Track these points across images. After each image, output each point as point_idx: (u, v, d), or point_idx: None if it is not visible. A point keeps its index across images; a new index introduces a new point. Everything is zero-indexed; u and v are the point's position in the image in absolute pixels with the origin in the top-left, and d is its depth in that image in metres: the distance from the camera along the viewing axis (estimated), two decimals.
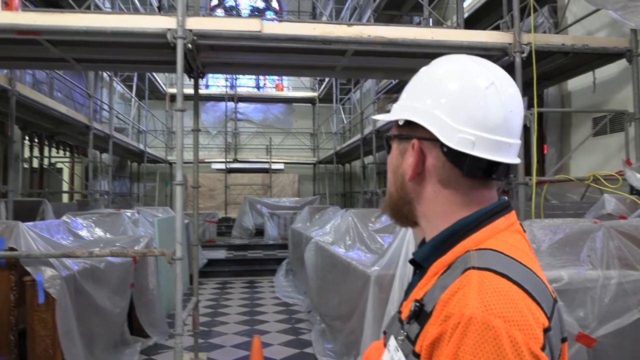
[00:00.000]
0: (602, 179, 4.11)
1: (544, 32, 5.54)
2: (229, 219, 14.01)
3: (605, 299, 2.49)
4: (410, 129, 0.85)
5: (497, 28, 5.10)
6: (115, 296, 4.54)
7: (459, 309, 0.68)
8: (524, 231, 0.88)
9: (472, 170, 0.81)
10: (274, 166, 15.76)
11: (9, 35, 3.70)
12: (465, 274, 0.72)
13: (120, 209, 6.95)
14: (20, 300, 3.59)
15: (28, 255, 3.48)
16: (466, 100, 0.80)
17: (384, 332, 0.89)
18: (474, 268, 0.72)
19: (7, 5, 3.65)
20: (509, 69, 4.24)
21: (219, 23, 3.95)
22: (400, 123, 0.87)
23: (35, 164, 9.70)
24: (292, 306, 6.95)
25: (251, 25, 3.84)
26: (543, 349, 0.67)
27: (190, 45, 3.78)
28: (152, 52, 4.32)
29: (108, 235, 5.43)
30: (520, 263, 0.75)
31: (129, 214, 6.38)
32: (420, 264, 0.86)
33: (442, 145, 0.81)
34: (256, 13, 17.26)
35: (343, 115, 14.94)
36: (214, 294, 7.83)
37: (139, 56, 4.58)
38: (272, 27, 3.96)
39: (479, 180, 0.83)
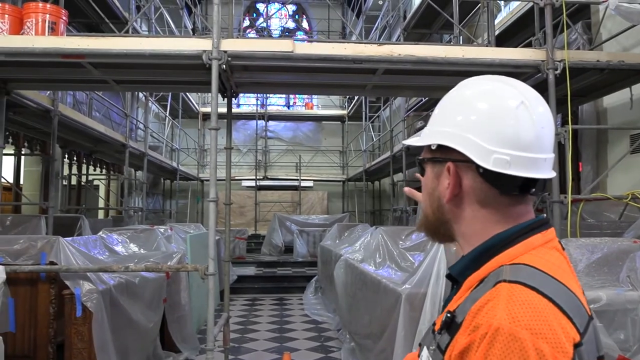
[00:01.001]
0: None
1: (578, 48, 5.47)
2: (258, 236, 14.12)
3: None
4: (444, 152, 0.87)
5: (529, 45, 5.06)
6: (149, 311, 4.62)
7: (487, 320, 0.69)
8: (563, 249, 0.89)
9: (509, 188, 0.82)
10: (303, 183, 15.85)
11: (55, 59, 3.89)
12: (496, 287, 0.74)
13: (153, 225, 7.11)
14: (59, 313, 3.69)
15: (67, 269, 3.59)
16: (497, 121, 0.82)
17: (420, 344, 0.91)
18: (505, 281, 0.74)
19: (54, 31, 3.84)
20: (542, 86, 4.20)
21: (252, 44, 4.06)
22: (433, 147, 0.89)
23: (74, 181, 10.04)
24: (321, 324, 6.93)
25: (283, 46, 3.93)
26: None
27: (224, 66, 3.89)
28: (188, 73, 4.46)
29: (142, 251, 5.55)
30: (554, 278, 0.76)
31: (162, 230, 6.51)
32: (456, 279, 0.88)
33: (477, 166, 0.82)
34: (287, 33, 17.58)
35: (372, 133, 14.96)
36: (244, 310, 7.87)
37: (175, 77, 4.73)
38: (304, 47, 4.05)
39: (516, 197, 0.84)
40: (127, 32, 5.28)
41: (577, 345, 0.69)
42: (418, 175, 1.24)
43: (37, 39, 3.77)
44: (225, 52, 3.83)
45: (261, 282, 9.89)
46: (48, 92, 6.11)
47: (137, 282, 4.41)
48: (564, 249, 0.89)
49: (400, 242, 5.73)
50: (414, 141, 0.96)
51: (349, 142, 16.40)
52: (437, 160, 0.89)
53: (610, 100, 5.53)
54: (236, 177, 15.59)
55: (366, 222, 11.60)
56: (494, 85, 0.87)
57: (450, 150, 0.85)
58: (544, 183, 0.85)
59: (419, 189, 1.14)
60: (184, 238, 6.71)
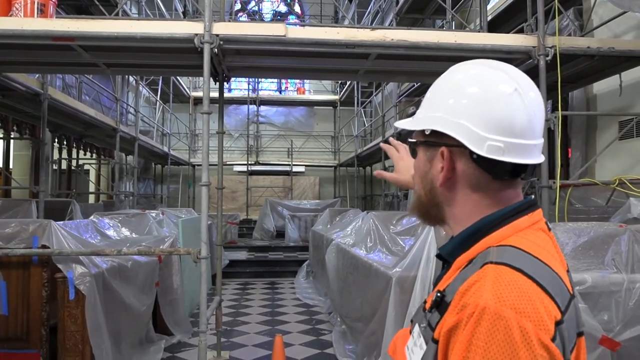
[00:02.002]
0: (628, 183, 4.07)
1: (569, 34, 5.49)
2: (250, 221, 14.15)
3: (630, 302, 2.48)
4: (438, 137, 0.88)
5: (521, 31, 5.07)
6: (142, 294, 4.65)
7: (474, 300, 0.72)
8: (549, 229, 0.91)
9: (500, 173, 0.85)
10: (295, 169, 15.87)
11: (44, 42, 3.84)
12: (483, 268, 0.77)
13: (145, 210, 7.11)
14: (52, 296, 3.70)
15: (60, 252, 3.59)
16: (491, 108, 0.83)
17: (411, 321, 0.94)
18: (492, 263, 0.77)
19: (43, 13, 3.79)
20: (533, 72, 4.22)
21: (244, 28, 4.03)
22: (427, 132, 0.90)
23: (64, 165, 9.98)
24: (312, 307, 7.00)
25: (276, 30, 3.91)
26: (553, 339, 0.70)
27: (216, 50, 3.86)
28: (179, 56, 4.43)
29: (134, 235, 5.56)
30: (538, 259, 0.79)
31: (153, 215, 6.51)
32: (446, 259, 0.91)
33: (471, 152, 0.84)
34: (279, 17, 17.42)
35: (364, 118, 14.96)
36: (236, 295, 7.93)
37: (166, 60, 4.70)
38: (296, 31, 4.03)
39: (506, 182, 0.87)
40: (117, 14, 5.22)
41: (558, 323, 0.73)
42: (392, 140, 1.26)
43: (26, 21, 3.73)
44: (217, 35, 3.81)
45: (253, 266, 9.94)
46: (38, 75, 6.04)
47: (129, 265, 4.42)
48: (550, 229, 0.92)
49: (391, 227, 5.78)
50: (407, 125, 0.97)
51: (340, 128, 16.40)
52: (430, 144, 0.90)
53: (600, 86, 5.58)
54: (228, 162, 15.56)
55: (358, 207, 11.67)
56: (487, 71, 0.87)
57: (444, 135, 0.86)
58: (534, 168, 0.88)
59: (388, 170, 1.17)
60: (176, 222, 6.72)
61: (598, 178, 5.20)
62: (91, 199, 11.46)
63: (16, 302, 3.61)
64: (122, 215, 6.01)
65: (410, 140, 0.98)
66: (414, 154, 0.97)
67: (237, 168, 15.91)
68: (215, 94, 4.86)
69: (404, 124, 0.98)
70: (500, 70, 0.87)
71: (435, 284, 0.93)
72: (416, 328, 0.87)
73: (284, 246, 11.61)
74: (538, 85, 4.13)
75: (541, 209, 0.91)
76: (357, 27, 4.20)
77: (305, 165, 16.18)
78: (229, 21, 4.31)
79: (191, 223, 6.82)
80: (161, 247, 5.04)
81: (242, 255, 10.58)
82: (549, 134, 4.23)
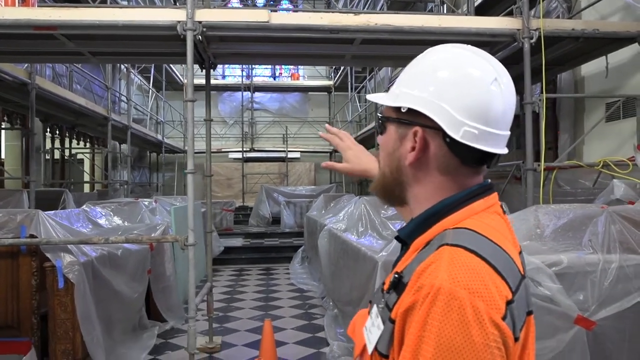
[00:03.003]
0: (612, 165, 4.09)
1: (558, 17, 5.47)
2: (246, 208, 14.19)
3: (605, 282, 2.51)
4: (412, 116, 0.88)
5: (510, 14, 5.06)
6: (133, 282, 4.69)
7: (430, 280, 0.74)
8: (505, 212, 0.94)
9: (470, 159, 0.86)
10: (290, 155, 15.88)
11: (26, 31, 3.83)
12: (439, 250, 0.78)
13: (138, 198, 7.13)
14: (42, 285, 3.74)
15: (47, 242, 3.62)
16: (471, 94, 0.84)
17: (370, 302, 0.96)
18: (447, 245, 0.78)
19: (24, 1, 3.77)
20: (518, 54, 4.23)
21: (227, 14, 4.01)
22: (404, 110, 0.89)
23: (57, 155, 9.97)
24: (306, 292, 7.06)
25: (259, 16, 3.89)
26: (504, 318, 0.73)
27: (200, 37, 3.85)
28: (164, 44, 4.41)
29: (126, 224, 5.58)
30: (491, 241, 0.81)
31: (146, 203, 6.54)
32: (405, 241, 0.92)
33: (444, 135, 0.85)
34: (272, 3, 17.26)
35: (358, 104, 14.92)
36: (231, 281, 7.99)
37: (152, 48, 4.68)
38: (280, 17, 4.02)
39: (473, 168, 0.89)
40: (103, 1, 5.20)
41: (509, 302, 0.75)
42: (331, 128, 1.25)
43: (6, 10, 3.71)
44: (200, 22, 3.79)
45: (248, 252, 9.99)
46: (25, 65, 6.02)
47: (119, 254, 4.46)
48: (505, 212, 0.95)
49: (382, 212, 5.81)
50: (383, 99, 0.94)
51: (335, 113, 16.36)
52: (403, 122, 0.90)
53: (588, 68, 5.57)
54: (223, 149, 15.56)
55: (353, 193, 11.70)
56: (470, 57, 0.88)
57: (419, 115, 0.86)
58: (498, 158, 0.89)
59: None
60: (169, 210, 6.74)
61: (585, 160, 5.23)
62: (86, 188, 11.46)
63: (6, 291, 3.65)
64: (114, 203, 6.03)
65: (380, 115, 0.97)
66: (382, 129, 0.96)
67: (232, 155, 15.91)
68: (203, 81, 4.88)
69: (379, 98, 0.96)
70: (483, 58, 0.88)
71: (394, 266, 0.95)
72: (374, 309, 0.89)
73: (279, 232, 11.66)
74: (523, 68, 4.15)
75: (496, 192, 0.93)
76: (342, 12, 4.18)
77: (301, 151, 16.19)
78: (215, 7, 4.27)
79: (184, 211, 6.83)
80: (152, 234, 5.07)
81: (237, 241, 10.63)
82: (535, 116, 4.25)
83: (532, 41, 4.06)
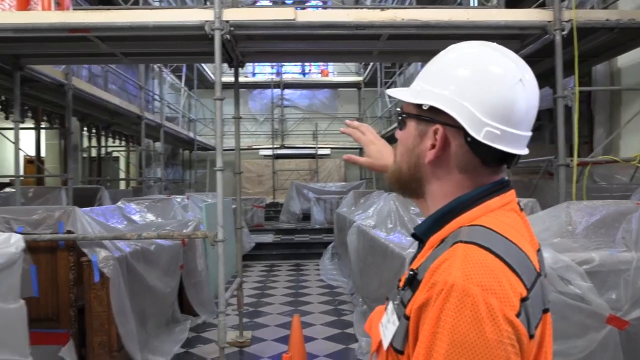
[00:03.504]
0: None
1: (592, 7, 5.29)
2: (276, 204, 14.31)
3: (639, 281, 2.44)
4: (433, 114, 0.87)
5: (543, 5, 4.93)
6: (166, 277, 4.81)
7: (443, 277, 0.75)
8: (521, 210, 0.93)
9: (490, 159, 0.86)
10: (320, 151, 15.91)
11: (62, 34, 3.97)
12: (453, 247, 0.79)
13: (171, 195, 7.29)
14: (79, 279, 3.89)
15: (84, 237, 3.76)
16: (496, 94, 0.83)
17: (387, 298, 0.97)
18: (461, 242, 0.79)
19: (59, 5, 3.91)
20: (549, 47, 4.12)
21: (254, 13, 4.06)
22: (425, 107, 0.89)
23: (94, 153, 10.29)
24: (336, 288, 7.09)
25: (285, 14, 3.92)
26: (518, 315, 0.73)
27: (227, 36, 3.91)
28: (194, 43, 4.49)
29: (159, 220, 5.72)
30: (506, 238, 0.81)
31: (178, 200, 6.68)
32: (420, 238, 0.93)
33: (466, 134, 0.84)
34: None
35: (388, 100, 14.80)
36: (261, 276, 8.10)
37: (182, 48, 4.78)
38: (306, 14, 4.04)
39: (493, 168, 0.89)
40: (136, 2, 5.33)
41: (523, 299, 0.75)
42: (352, 122, 1.25)
43: (43, 14, 3.85)
44: (227, 22, 3.84)
45: (279, 248, 10.10)
46: (62, 67, 6.23)
47: (152, 249, 4.58)
48: (522, 209, 0.94)
49: (412, 208, 5.77)
50: (404, 95, 0.94)
51: (365, 109, 16.29)
52: (424, 119, 0.90)
53: (625, 60, 5.37)
54: (253, 146, 15.72)
55: (382, 189, 11.64)
56: (496, 56, 0.87)
57: (440, 113, 0.86)
58: (518, 158, 0.89)
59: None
60: (201, 207, 6.87)
61: (623, 155, 5.07)
62: (121, 185, 11.80)
63: (45, 284, 3.80)
64: (148, 200, 6.18)
65: (400, 110, 0.96)
66: (401, 125, 0.96)
67: (263, 152, 16.06)
68: (232, 79, 4.95)
69: (400, 94, 0.95)
70: (507, 57, 0.87)
71: (410, 263, 0.96)
72: (390, 305, 0.90)
73: (309, 228, 11.73)
74: (554, 61, 4.04)
75: (513, 189, 0.92)
76: (368, 8, 4.17)
77: (331, 148, 16.19)
78: (242, 6, 4.32)
79: (215, 207, 6.95)
80: (184, 231, 5.18)
81: (268, 238, 10.75)
82: (567, 110, 4.14)
83: (564, 33, 3.95)
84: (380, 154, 1.24)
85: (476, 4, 7.28)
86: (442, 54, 0.92)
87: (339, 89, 16.95)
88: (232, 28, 3.89)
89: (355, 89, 16.87)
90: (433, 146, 0.88)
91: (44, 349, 3.69)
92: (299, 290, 7.06)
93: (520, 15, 4.08)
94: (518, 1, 6.58)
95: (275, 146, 15.90)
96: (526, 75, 0.86)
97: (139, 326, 4.15)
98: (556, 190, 4.10)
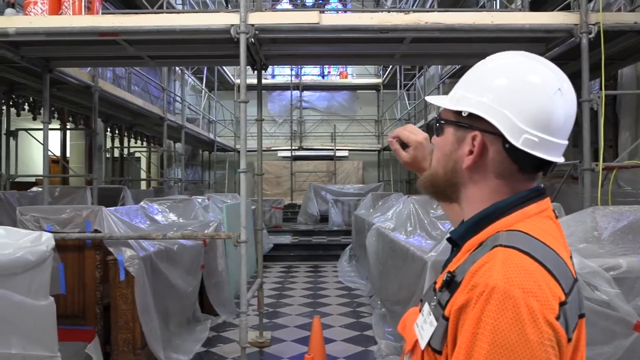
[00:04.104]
0: None
1: (618, 9, 5.22)
2: (294, 205, 14.37)
3: None
4: (472, 120, 0.89)
5: (567, 7, 4.88)
6: (188, 276, 4.88)
7: (484, 280, 0.77)
8: (557, 217, 0.95)
9: (527, 166, 0.88)
10: (338, 153, 15.93)
11: (92, 37, 4.06)
12: (493, 250, 0.81)
13: (192, 195, 7.38)
14: (105, 277, 3.97)
15: (110, 237, 3.83)
16: (535, 103, 0.85)
17: (421, 300, 0.99)
18: (501, 246, 0.81)
19: (90, 10, 4.00)
20: (575, 50, 4.08)
21: (278, 17, 4.10)
22: (464, 114, 0.90)
23: (116, 153, 10.46)
24: (354, 290, 7.10)
25: (309, 18, 3.96)
26: (557, 318, 0.75)
27: (252, 40, 3.96)
28: (219, 46, 4.56)
29: (181, 220, 5.79)
30: (544, 244, 0.83)
31: (199, 200, 6.75)
32: (456, 242, 0.95)
33: (504, 141, 0.86)
34: (320, 1, 17.33)
35: (407, 102, 14.77)
36: (280, 277, 8.14)
37: (207, 51, 4.85)
38: (330, 18, 4.07)
39: (529, 174, 0.91)
40: (161, 6, 5.41)
41: (562, 304, 0.77)
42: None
43: (74, 19, 3.94)
44: (252, 25, 3.89)
45: (297, 250, 10.13)
46: (88, 69, 6.36)
47: (175, 249, 4.65)
48: (557, 217, 0.96)
49: (432, 211, 5.75)
50: (445, 102, 0.95)
51: (384, 111, 16.26)
52: (463, 126, 0.91)
53: None
54: (272, 148, 15.81)
55: (401, 192, 11.60)
56: (535, 66, 0.89)
57: (479, 120, 0.88)
58: (554, 166, 0.91)
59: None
60: (221, 208, 6.94)
61: None
62: (142, 185, 11.96)
63: (73, 282, 3.88)
64: (170, 200, 6.26)
65: (439, 117, 0.98)
66: (439, 131, 0.98)
67: (281, 153, 16.13)
68: (255, 81, 5.00)
69: (441, 101, 0.97)
70: (546, 66, 0.89)
71: (444, 266, 0.98)
72: (426, 306, 0.92)
73: (327, 230, 11.74)
74: (580, 64, 4.00)
75: (549, 197, 0.94)
76: (392, 11, 4.18)
77: (349, 150, 16.21)
78: (266, 10, 4.37)
79: (235, 208, 7.02)
80: (205, 231, 5.25)
81: (286, 239, 10.79)
82: (593, 114, 4.09)
83: (591, 36, 3.91)
84: (424, 159, 1.23)
85: (498, 7, 7.23)
86: (480, 64, 0.95)
87: (358, 91, 16.97)
88: (257, 32, 3.94)
89: (374, 91, 16.86)
90: (471, 152, 0.90)
91: (70, 345, 3.77)
92: (317, 291, 7.08)
93: (545, 19, 4.05)
94: (542, 3, 6.53)
95: (293, 148, 15.97)
96: (565, 84, 0.87)
97: (161, 324, 4.22)
98: (580, 194, 4.06)
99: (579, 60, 4.01)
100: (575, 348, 0.82)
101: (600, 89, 3.87)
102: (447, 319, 0.82)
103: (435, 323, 0.86)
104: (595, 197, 4.05)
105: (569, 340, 0.78)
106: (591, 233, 2.95)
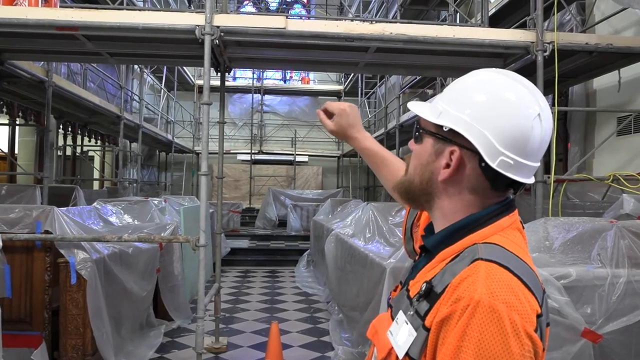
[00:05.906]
0: (622, 179, 4.11)
1: (571, 29, 5.49)
2: (252, 210, 14.25)
3: (613, 296, 2.54)
4: (452, 135, 0.91)
5: (523, 25, 5.08)
6: (142, 280, 4.75)
7: (468, 293, 0.79)
8: (523, 228, 0.99)
9: (500, 185, 0.91)
10: (298, 158, 15.93)
11: (49, 31, 3.91)
12: (474, 264, 0.83)
13: (148, 197, 7.19)
14: (54, 280, 3.80)
15: (62, 238, 3.68)
16: (514, 127, 0.87)
17: (390, 306, 1.00)
18: (481, 259, 0.83)
19: (47, 2, 3.85)
20: (531, 67, 4.25)
21: (245, 20, 4.08)
22: (446, 129, 0.92)
23: (69, 152, 10.07)
24: (311, 296, 7.10)
25: (276, 22, 3.95)
26: (535, 330, 0.79)
27: (217, 41, 3.91)
28: (182, 47, 4.48)
29: (136, 222, 5.63)
30: (519, 258, 0.86)
31: (156, 202, 6.59)
32: (430, 250, 0.97)
33: (480, 159, 0.89)
34: (284, 6, 17.34)
35: (368, 109, 14.97)
36: (236, 282, 8.04)
37: (169, 51, 4.75)
38: (297, 24, 4.07)
39: (501, 192, 0.94)
40: (121, 3, 5.27)
41: (539, 316, 0.81)
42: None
43: (30, 10, 3.79)
44: (217, 27, 3.86)
45: (254, 254, 10.04)
46: (42, 63, 6.11)
47: (130, 252, 4.51)
48: (524, 228, 1.00)
49: (390, 218, 5.85)
50: (426, 114, 0.96)
51: None
52: (442, 138, 0.93)
53: (600, 82, 5.58)
54: (231, 151, 15.64)
55: (360, 198, 11.72)
56: (518, 89, 0.91)
57: (458, 135, 0.90)
58: (524, 186, 0.94)
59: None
60: (178, 210, 6.80)
61: (596, 173, 5.24)
62: (95, 185, 11.57)
63: (20, 285, 3.71)
64: (125, 202, 6.08)
65: (420, 127, 0.99)
66: (418, 139, 0.99)
67: (240, 157, 15.99)
68: (217, 83, 4.94)
69: (422, 112, 0.97)
70: (529, 90, 0.91)
71: (413, 272, 1.00)
72: (400, 314, 0.93)
73: (285, 235, 11.71)
74: (535, 81, 4.17)
75: (517, 209, 0.98)
76: (357, 21, 4.23)
77: (309, 155, 16.24)
78: (231, 12, 4.33)
79: (193, 211, 6.90)
80: (162, 234, 5.12)
81: (244, 243, 10.68)
82: None
83: (546, 54, 4.09)
84: (349, 126, 1.35)
85: (458, 21, 7.45)
86: (462, 78, 0.97)
87: (319, 97, 17.03)
88: (222, 33, 3.91)
89: (335, 98, 16.95)
90: (447, 165, 0.93)
91: (15, 351, 3.60)
92: (275, 297, 7.04)
93: (504, 35, 4.20)
94: (499, 20, 6.78)
95: (253, 151, 15.86)
96: (544, 110, 0.90)
97: (113, 330, 4.09)
98: (533, 206, 4.23)
99: (534, 77, 4.18)
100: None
101: (554, 105, 4.03)
102: (427, 329, 0.84)
103: (414, 333, 0.87)
104: (546, 208, 4.23)
105: (544, 349, 0.82)
106: (543, 243, 3.07)
